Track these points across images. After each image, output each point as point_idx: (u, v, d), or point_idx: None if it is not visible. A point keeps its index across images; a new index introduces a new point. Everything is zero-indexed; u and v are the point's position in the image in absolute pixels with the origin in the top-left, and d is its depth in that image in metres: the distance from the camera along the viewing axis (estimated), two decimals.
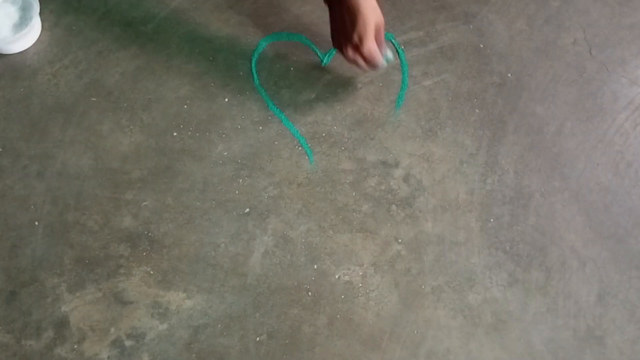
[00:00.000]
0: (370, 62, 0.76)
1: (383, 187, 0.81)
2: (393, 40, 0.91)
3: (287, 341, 0.71)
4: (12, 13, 0.83)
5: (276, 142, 0.82)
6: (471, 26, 0.95)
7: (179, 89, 0.85)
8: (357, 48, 0.75)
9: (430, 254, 0.77)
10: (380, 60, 0.77)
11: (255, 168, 0.80)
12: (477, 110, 0.88)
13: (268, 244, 0.76)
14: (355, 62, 0.78)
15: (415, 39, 0.92)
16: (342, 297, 0.74)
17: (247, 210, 0.78)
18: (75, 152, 0.79)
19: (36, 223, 0.75)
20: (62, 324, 0.70)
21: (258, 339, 0.71)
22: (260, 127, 0.83)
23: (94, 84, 0.84)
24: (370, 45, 0.74)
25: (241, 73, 0.87)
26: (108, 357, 0.69)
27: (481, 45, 0.93)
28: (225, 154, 0.81)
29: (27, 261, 0.73)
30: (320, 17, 0.92)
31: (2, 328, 0.69)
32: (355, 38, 0.74)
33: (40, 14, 0.86)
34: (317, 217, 0.78)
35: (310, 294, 0.74)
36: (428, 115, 0.87)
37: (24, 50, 0.85)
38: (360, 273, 0.75)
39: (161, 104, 0.83)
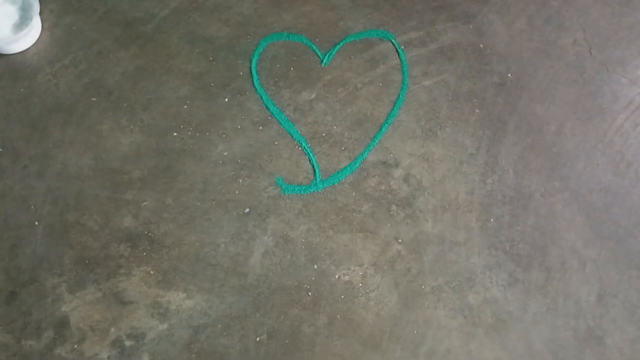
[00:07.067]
0: None
1: (383, 187, 0.81)
2: (393, 40, 0.91)
3: (287, 341, 0.71)
4: (12, 13, 0.83)
5: (276, 142, 0.82)
6: (471, 26, 0.95)
7: (179, 89, 0.84)
8: None
9: (430, 254, 0.77)
10: None
11: (255, 168, 0.80)
12: (477, 110, 0.88)
13: (268, 244, 0.76)
14: None
15: (415, 39, 0.92)
16: (342, 297, 0.74)
17: (247, 210, 0.78)
18: (75, 152, 0.79)
19: (36, 223, 0.75)
20: (62, 324, 0.70)
21: (258, 339, 0.71)
22: (260, 127, 0.83)
23: (94, 84, 0.84)
24: None
25: (241, 73, 0.87)
26: (108, 357, 0.69)
27: (481, 45, 0.93)
28: (225, 154, 0.81)
29: (27, 261, 0.72)
30: (320, 17, 0.92)
31: (2, 328, 0.69)
32: None
33: (40, 14, 0.86)
34: (317, 217, 0.78)
35: (310, 294, 0.74)
36: (428, 115, 0.87)
37: (24, 50, 0.85)
38: (360, 273, 0.75)
39: (161, 104, 0.83)
